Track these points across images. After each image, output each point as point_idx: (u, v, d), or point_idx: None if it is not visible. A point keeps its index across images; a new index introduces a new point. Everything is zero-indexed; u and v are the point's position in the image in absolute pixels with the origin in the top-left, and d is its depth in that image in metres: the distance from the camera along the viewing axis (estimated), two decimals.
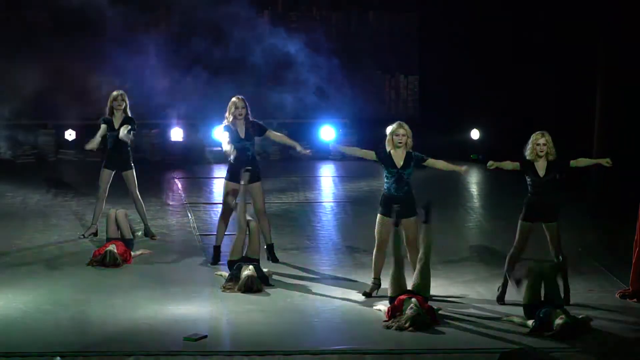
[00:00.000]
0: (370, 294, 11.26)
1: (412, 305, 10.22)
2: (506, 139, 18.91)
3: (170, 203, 15.87)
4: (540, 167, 11.02)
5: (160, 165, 19.08)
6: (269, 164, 19.71)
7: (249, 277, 11.38)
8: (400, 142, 11.10)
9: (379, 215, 11.28)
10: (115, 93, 13.52)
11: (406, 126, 11.18)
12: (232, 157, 12.31)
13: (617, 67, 15.40)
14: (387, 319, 10.35)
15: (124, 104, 13.45)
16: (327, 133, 20.52)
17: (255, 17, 20.48)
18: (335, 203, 16.41)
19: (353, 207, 15.99)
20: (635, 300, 11.24)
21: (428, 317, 10.22)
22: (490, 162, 11.13)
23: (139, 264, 12.59)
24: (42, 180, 17.69)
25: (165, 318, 10.47)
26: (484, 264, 12.70)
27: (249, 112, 12.35)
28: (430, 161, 11.23)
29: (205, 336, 9.85)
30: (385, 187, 11.26)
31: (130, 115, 13.48)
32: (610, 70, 15.56)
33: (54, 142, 20.22)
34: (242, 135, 12.32)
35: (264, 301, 11.10)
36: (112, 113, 13.44)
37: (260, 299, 11.16)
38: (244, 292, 11.34)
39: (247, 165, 12.27)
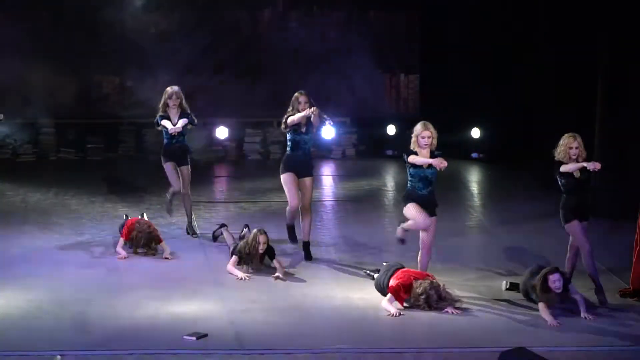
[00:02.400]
0: None
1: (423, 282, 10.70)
2: (507, 138, 18.99)
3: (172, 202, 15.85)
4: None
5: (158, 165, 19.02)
6: (270, 162, 19.70)
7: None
8: (425, 144, 11.19)
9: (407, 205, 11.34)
10: (170, 90, 13.40)
11: (431, 127, 11.26)
12: (288, 148, 12.51)
13: (618, 65, 15.39)
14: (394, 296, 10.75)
15: (180, 100, 13.36)
16: (328, 132, 20.50)
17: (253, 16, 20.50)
18: (335, 202, 16.40)
19: (354, 206, 15.99)
20: (636, 299, 11.26)
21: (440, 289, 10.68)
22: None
23: (140, 263, 12.59)
24: (42, 179, 17.69)
25: (166, 317, 10.47)
26: (485, 263, 12.69)
27: (311, 105, 12.39)
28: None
29: (206, 335, 9.86)
30: (409, 185, 11.34)
31: (188, 111, 13.42)
32: (611, 69, 15.54)
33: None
34: (303, 129, 12.41)
35: (265, 300, 11.11)
36: (165, 109, 13.37)
37: (261, 298, 11.17)
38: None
39: (303, 158, 12.42)
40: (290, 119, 12.38)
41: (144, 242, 12.73)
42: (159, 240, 12.85)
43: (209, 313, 10.63)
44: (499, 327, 10.36)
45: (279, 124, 20.31)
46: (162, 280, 11.85)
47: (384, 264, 11.70)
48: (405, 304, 10.78)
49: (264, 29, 20.52)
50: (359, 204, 16.09)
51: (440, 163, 10.99)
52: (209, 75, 19.99)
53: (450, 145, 20.10)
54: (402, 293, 10.76)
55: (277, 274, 11.88)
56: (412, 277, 10.82)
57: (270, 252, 12.10)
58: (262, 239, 12.00)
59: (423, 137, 11.20)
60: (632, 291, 11.33)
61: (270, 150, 20.42)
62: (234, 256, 12.15)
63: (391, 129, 20.40)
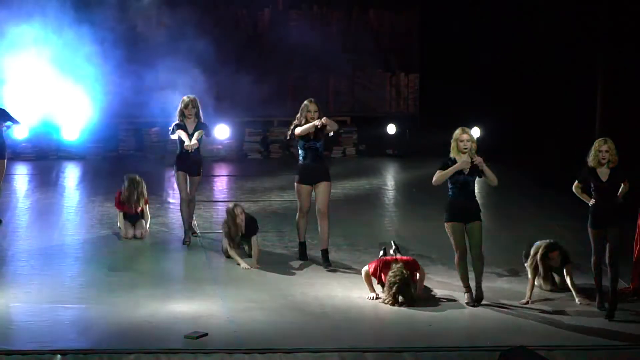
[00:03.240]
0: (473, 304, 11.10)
1: (395, 270, 10.97)
2: (507, 137, 18.99)
3: (171, 201, 15.87)
4: (603, 173, 10.90)
5: (159, 164, 19.03)
6: (270, 162, 19.70)
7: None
8: (465, 148, 11.05)
9: (447, 223, 11.09)
10: (186, 99, 13.11)
11: (469, 131, 11.14)
12: (301, 157, 12.49)
13: (617, 65, 15.41)
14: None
15: (196, 110, 13.08)
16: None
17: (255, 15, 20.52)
18: (335, 201, 16.38)
19: (353, 205, 15.98)
20: (636, 298, 11.27)
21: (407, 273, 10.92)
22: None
23: (139, 262, 12.60)
24: (42, 179, 17.69)
25: (166, 316, 10.47)
26: (485, 263, 12.65)
27: (322, 115, 12.35)
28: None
29: (206, 334, 9.86)
30: (450, 194, 11.13)
31: (202, 120, 13.16)
32: (610, 68, 15.57)
33: None
34: (312, 136, 12.35)
35: (264, 299, 11.11)
36: (182, 118, 13.10)
37: (261, 297, 11.17)
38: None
39: (317, 165, 12.47)
40: (298, 131, 12.36)
41: (135, 198, 13.51)
42: (145, 200, 13.61)
43: (208, 312, 10.63)
44: (499, 327, 10.36)
45: (279, 123, 20.54)
46: (162, 279, 11.85)
47: (380, 251, 12.09)
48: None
49: (264, 28, 20.52)
50: (359, 203, 16.08)
51: (466, 164, 10.91)
52: (208, 75, 19.98)
53: (449, 145, 20.26)
54: (375, 275, 11.25)
55: (245, 265, 12.29)
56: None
57: (252, 227, 12.54)
58: (237, 210, 12.51)
59: (462, 141, 11.03)
60: (632, 290, 11.34)
61: (270, 150, 20.41)
62: (225, 239, 12.56)
63: (391, 128, 20.39)
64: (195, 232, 13.73)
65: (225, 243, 12.59)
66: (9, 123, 13.97)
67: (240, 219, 12.47)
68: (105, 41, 18.95)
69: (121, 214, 13.58)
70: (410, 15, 20.72)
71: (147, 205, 13.82)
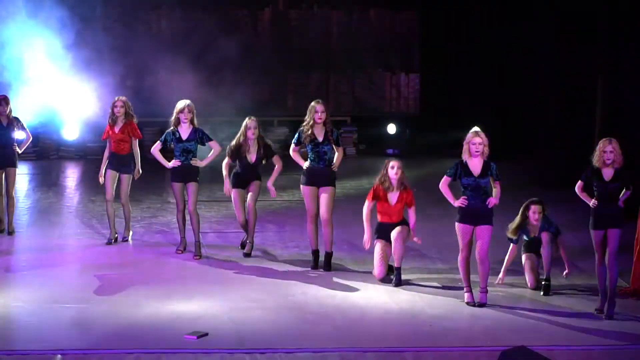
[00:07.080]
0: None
1: None
2: (507, 137, 18.99)
3: (171, 201, 15.87)
4: (607, 173, 10.88)
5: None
6: (269, 162, 19.66)
7: None
8: (477, 151, 10.97)
9: (457, 223, 11.06)
10: (182, 104, 12.77)
11: (483, 135, 11.05)
12: (309, 160, 12.36)
13: (617, 66, 15.41)
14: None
15: (191, 115, 12.77)
16: None
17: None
18: (336, 201, 16.36)
19: (353, 204, 15.97)
20: (636, 298, 11.27)
21: None
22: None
23: (139, 262, 12.60)
24: (42, 179, 17.68)
25: (166, 316, 10.47)
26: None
27: (329, 117, 12.33)
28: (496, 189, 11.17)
29: (207, 334, 9.86)
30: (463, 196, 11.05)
31: (197, 126, 12.83)
32: (610, 68, 15.56)
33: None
34: (320, 139, 12.31)
35: (265, 299, 11.11)
36: (177, 124, 12.80)
37: (262, 297, 11.17)
38: None
39: (323, 169, 12.37)
40: (292, 153, 12.43)
41: (122, 119, 13.46)
42: (135, 130, 13.53)
43: (209, 312, 10.63)
44: (500, 326, 10.36)
45: (279, 122, 20.56)
46: (162, 279, 11.85)
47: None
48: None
49: (265, 28, 20.53)
50: (360, 203, 16.05)
51: (462, 203, 10.92)
52: (209, 74, 20.00)
53: (449, 144, 20.32)
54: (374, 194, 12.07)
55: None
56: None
57: (268, 149, 12.77)
58: (252, 124, 12.61)
59: (474, 144, 10.95)
60: (632, 291, 11.34)
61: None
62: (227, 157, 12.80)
63: (391, 128, 20.41)
64: (198, 255, 12.84)
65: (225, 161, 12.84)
66: (22, 135, 13.81)
67: (252, 132, 12.56)
68: (106, 40, 18.98)
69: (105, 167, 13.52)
70: (410, 15, 20.74)
71: (137, 141, 13.65)
